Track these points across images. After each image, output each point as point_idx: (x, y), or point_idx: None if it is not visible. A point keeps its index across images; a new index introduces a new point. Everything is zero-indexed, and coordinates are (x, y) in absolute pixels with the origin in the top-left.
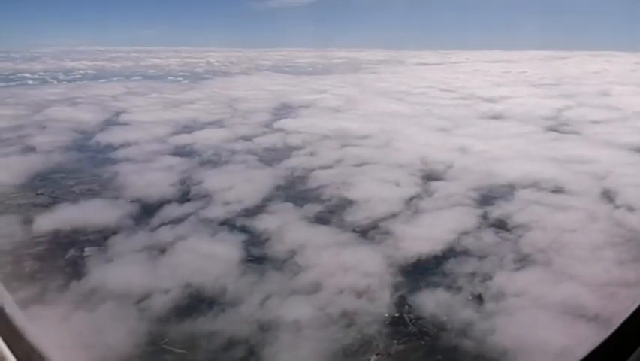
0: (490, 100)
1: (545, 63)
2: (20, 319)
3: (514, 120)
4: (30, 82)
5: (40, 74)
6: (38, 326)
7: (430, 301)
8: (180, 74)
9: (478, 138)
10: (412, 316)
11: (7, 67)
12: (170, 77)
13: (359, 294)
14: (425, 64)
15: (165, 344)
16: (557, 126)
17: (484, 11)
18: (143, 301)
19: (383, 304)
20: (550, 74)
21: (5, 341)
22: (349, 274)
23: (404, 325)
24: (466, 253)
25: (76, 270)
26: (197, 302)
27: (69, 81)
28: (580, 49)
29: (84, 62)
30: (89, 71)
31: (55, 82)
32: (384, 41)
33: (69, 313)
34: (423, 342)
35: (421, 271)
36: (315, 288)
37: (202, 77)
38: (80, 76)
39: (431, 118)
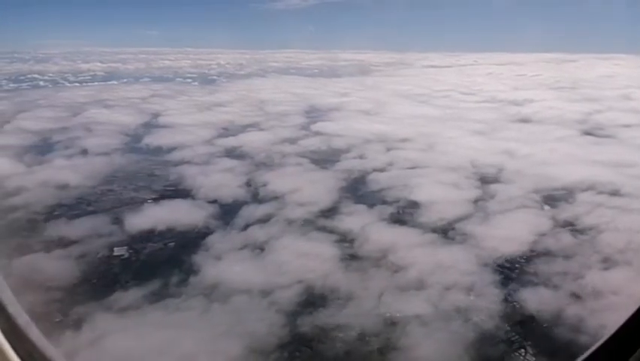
0: (515, 103)
1: (555, 66)
2: (22, 317)
3: (547, 124)
4: (41, 83)
5: (51, 74)
6: (182, 316)
7: (535, 298)
8: (195, 75)
9: (520, 141)
10: (523, 312)
11: (23, 68)
12: (185, 79)
13: (466, 291)
14: (434, 66)
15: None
16: (592, 130)
17: (483, 13)
18: (269, 296)
19: (492, 301)
20: (565, 77)
21: (7, 339)
22: (449, 272)
23: (519, 320)
24: (549, 253)
25: (188, 266)
26: (316, 298)
27: (80, 82)
28: (583, 51)
29: (97, 64)
30: (103, 73)
31: (66, 83)
32: (387, 43)
33: (207, 306)
34: (540, 337)
35: (514, 270)
36: (421, 285)
37: (218, 78)
38: (89, 77)
39: (464, 121)
